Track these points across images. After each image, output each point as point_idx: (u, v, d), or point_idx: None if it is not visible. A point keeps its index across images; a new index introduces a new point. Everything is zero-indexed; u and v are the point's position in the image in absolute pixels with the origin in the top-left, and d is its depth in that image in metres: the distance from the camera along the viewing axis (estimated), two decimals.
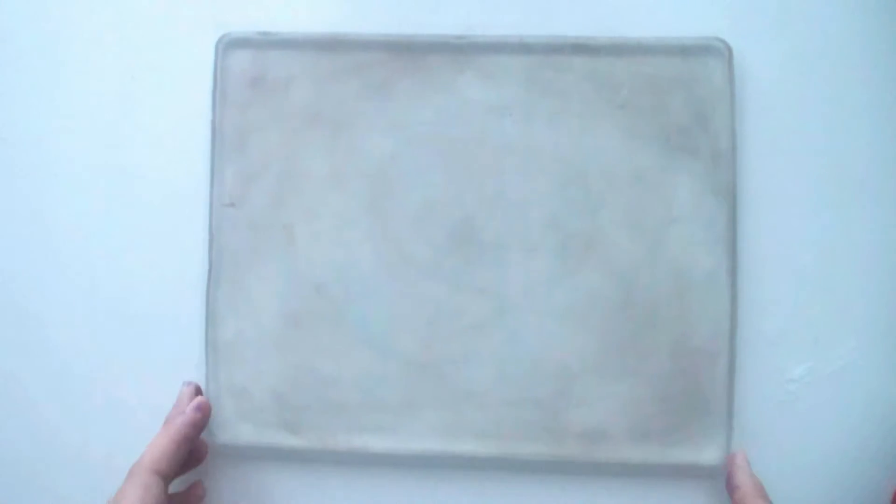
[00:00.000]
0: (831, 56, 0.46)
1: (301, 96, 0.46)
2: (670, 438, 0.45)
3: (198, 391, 0.46)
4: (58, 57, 0.48)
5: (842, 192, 0.46)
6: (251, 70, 0.46)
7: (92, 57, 0.48)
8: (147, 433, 0.44)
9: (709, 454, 0.45)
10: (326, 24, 0.47)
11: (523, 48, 0.46)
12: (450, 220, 0.46)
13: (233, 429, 0.46)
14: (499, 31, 0.46)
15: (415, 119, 0.46)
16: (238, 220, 0.46)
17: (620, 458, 0.45)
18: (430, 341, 0.46)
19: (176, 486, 0.44)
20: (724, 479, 0.44)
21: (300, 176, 0.46)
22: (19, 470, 0.47)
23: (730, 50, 0.45)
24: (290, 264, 0.46)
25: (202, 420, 0.44)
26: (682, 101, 0.45)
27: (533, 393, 0.45)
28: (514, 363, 0.46)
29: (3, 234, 0.48)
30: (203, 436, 0.45)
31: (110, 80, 0.48)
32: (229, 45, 0.46)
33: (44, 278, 0.48)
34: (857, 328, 0.46)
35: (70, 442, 0.47)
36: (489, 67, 0.46)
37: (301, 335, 0.46)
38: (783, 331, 0.46)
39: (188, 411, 0.43)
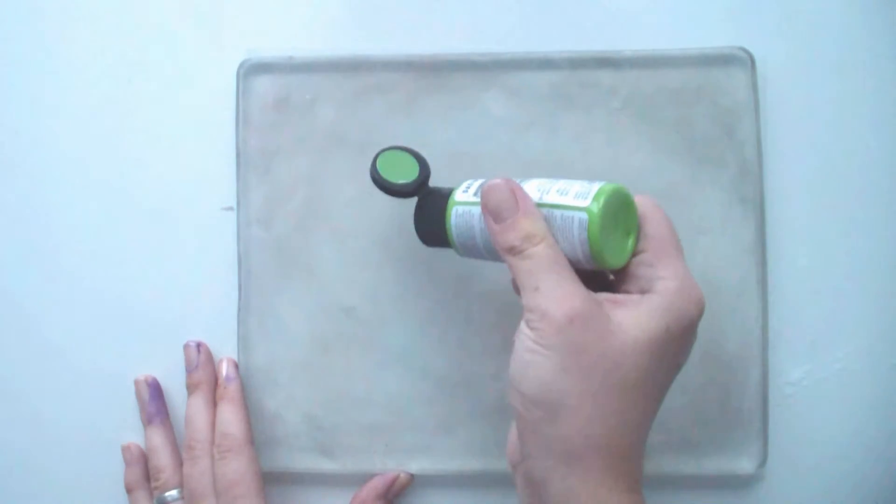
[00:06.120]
0: (856, 61, 0.46)
1: (325, 118, 0.46)
2: (704, 449, 0.45)
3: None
4: (86, 83, 0.48)
5: (865, 196, 0.46)
6: (274, 93, 0.46)
7: (116, 84, 0.48)
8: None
9: (744, 463, 0.45)
10: (349, 45, 0.47)
11: (548, 64, 0.45)
12: None
13: (267, 454, 0.46)
14: (523, 48, 0.46)
15: (440, 137, 0.46)
16: (266, 244, 0.46)
17: (654, 470, 0.45)
18: (461, 360, 0.46)
19: None
20: (760, 489, 0.44)
21: (327, 198, 0.46)
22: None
23: (752, 59, 0.45)
24: (319, 287, 0.46)
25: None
26: (707, 112, 0.45)
27: None
28: None
29: (27, 258, 0.48)
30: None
31: (136, 102, 0.47)
32: (250, 71, 0.46)
33: (73, 305, 0.47)
34: (853, 331, 0.46)
35: (101, 463, 0.47)
36: (514, 84, 0.46)
37: (332, 358, 0.46)
38: (780, 334, 0.46)
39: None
